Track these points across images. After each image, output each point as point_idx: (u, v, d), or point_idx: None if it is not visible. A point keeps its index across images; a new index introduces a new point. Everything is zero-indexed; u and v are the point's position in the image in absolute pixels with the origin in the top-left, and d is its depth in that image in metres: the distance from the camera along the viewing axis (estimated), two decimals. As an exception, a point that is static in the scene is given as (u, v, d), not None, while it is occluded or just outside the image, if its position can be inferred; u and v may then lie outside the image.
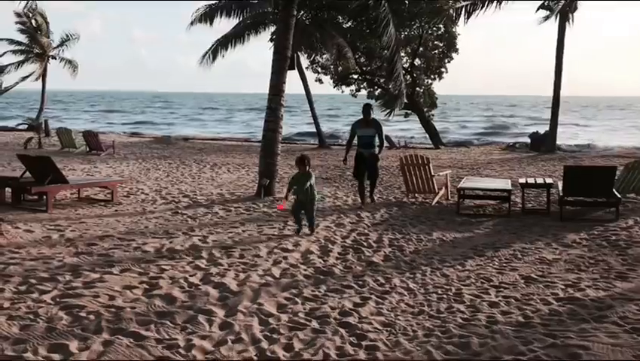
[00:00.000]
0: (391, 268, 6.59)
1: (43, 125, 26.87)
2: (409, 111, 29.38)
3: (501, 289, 5.85)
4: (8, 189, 10.23)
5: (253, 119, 62.30)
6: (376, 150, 10.42)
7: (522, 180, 11.13)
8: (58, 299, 5.25)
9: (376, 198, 11.28)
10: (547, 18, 22.15)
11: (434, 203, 10.89)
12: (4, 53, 32.30)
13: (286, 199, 8.73)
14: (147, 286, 5.71)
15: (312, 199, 8.18)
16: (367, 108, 10.45)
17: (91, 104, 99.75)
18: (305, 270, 6.45)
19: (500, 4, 19.35)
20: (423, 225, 9.07)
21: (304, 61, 26.90)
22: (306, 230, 8.26)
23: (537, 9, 22.78)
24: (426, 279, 6.19)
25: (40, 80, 32.75)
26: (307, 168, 8.17)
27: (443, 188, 11.38)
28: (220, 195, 11.74)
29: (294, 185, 8.21)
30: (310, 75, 27.88)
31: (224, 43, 22.96)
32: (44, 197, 9.67)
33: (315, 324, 4.83)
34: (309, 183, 8.10)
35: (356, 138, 10.60)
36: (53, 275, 5.96)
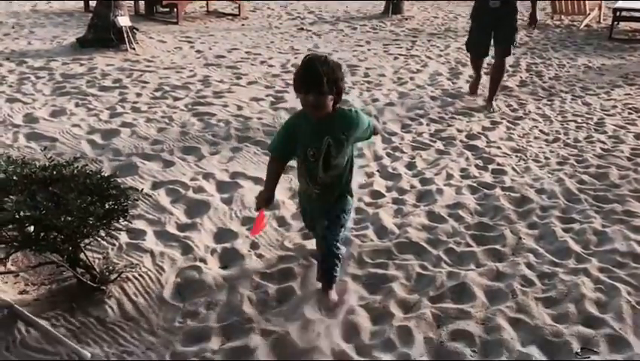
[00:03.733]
0: (527, 94, 6.12)
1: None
2: None
3: (652, 122, 5.27)
4: (142, 1, 10.46)
5: None
6: None
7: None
8: (190, 106, 5.47)
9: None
10: None
11: (582, 26, 9.74)
12: None
13: (263, 208, 2.82)
14: (273, 99, 5.77)
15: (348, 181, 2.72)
16: None
17: None
18: (432, 91, 6.17)
19: None
20: (567, 49, 8.21)
21: None
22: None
23: None
24: (565, 106, 5.71)
25: None
26: (334, 97, 2.47)
27: (596, 9, 10.08)
28: (347, 12, 11.28)
29: (288, 152, 2.66)
30: None
31: None
32: (175, 9, 9.81)
33: (439, 145, 4.69)
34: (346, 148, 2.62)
35: None
36: (184, 84, 6.17)
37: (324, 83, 2.33)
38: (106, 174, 2.77)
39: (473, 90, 5.96)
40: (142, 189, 3.16)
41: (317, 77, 2.33)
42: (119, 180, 2.82)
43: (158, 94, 5.82)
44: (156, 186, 3.84)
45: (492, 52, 5.54)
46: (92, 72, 6.47)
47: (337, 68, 2.40)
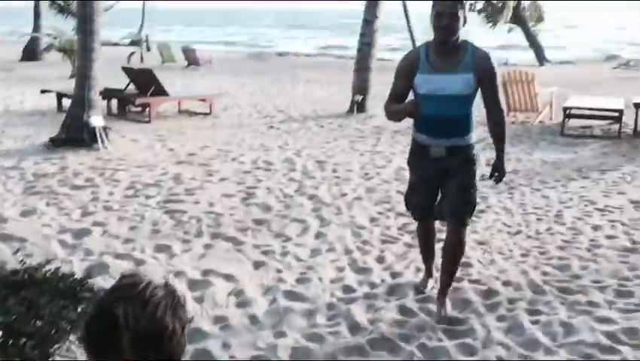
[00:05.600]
0: (488, 188, 6.37)
1: (144, 41, 27.73)
2: (512, 25, 27.60)
3: (607, 213, 5.53)
4: (114, 101, 10.73)
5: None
6: (470, 137, 3.56)
7: (636, 100, 10.25)
8: (162, 204, 5.55)
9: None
10: None
11: (536, 122, 10.32)
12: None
13: None
14: (244, 195, 5.89)
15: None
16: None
17: (189, 20, 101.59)
18: (398, 186, 6.39)
19: None
20: (523, 145, 8.65)
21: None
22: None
23: None
24: (525, 199, 5.96)
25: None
26: None
27: (547, 106, 10.72)
28: (314, 110, 11.73)
29: None
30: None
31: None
32: (147, 108, 10.08)
33: (407, 238, 4.82)
34: None
35: (412, 98, 3.57)
36: (156, 182, 6.27)
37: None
38: (79, 277, 2.79)
39: (424, 284, 3.91)
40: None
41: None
42: (91, 282, 2.84)
43: (130, 192, 5.89)
44: (127, 285, 3.82)
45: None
46: (64, 171, 6.54)
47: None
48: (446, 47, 3.34)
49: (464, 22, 3.29)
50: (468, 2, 28.14)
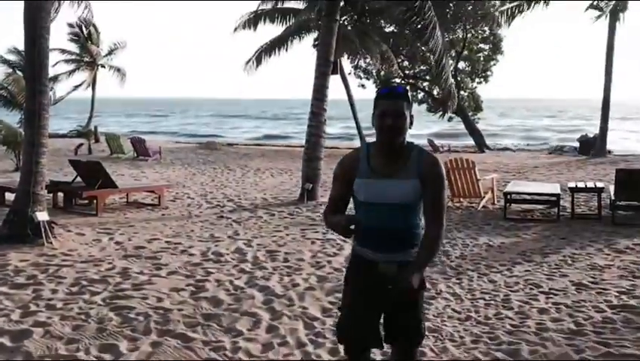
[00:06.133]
0: (437, 274, 6.49)
1: (93, 132, 27.66)
2: (453, 115, 29.05)
3: (551, 296, 5.70)
4: (60, 194, 10.55)
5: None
6: (420, 254, 2.94)
7: (571, 185, 10.84)
8: (108, 300, 5.38)
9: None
10: (598, 17, 21.67)
11: (480, 207, 10.70)
12: (57, 62, 33.46)
13: None
14: (193, 289, 5.79)
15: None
16: (395, 98, 2.91)
17: (135, 112, 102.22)
18: (349, 274, 6.43)
19: (547, 4, 19.02)
20: (469, 230, 8.91)
21: (347, 67, 26.94)
22: None
23: (587, 9, 22.27)
24: (473, 285, 6.08)
25: (90, 88, 33.81)
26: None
27: (489, 192, 11.18)
28: (264, 199, 11.83)
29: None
30: (353, 81, 27.90)
31: (268, 49, 23.14)
32: (95, 201, 9.93)
33: (360, 329, 4.80)
34: None
35: (352, 205, 3.10)
36: (103, 277, 6.11)
37: None
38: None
39: None
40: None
41: None
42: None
43: (75, 289, 5.70)
44: (70, 390, 3.64)
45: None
46: (4, 269, 6.29)
47: None
48: (391, 149, 2.92)
49: (411, 122, 2.91)
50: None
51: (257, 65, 23.14)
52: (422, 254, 2.90)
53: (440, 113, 26.99)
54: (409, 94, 2.87)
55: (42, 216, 7.45)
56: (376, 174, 2.92)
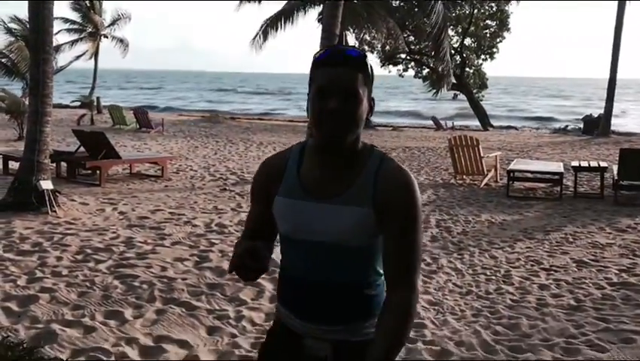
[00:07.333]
0: (439, 249, 6.53)
1: (95, 103, 27.55)
2: (457, 92, 28.92)
3: (552, 272, 5.74)
4: (64, 164, 10.57)
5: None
6: (379, 340, 1.62)
7: (574, 163, 10.83)
8: (112, 269, 5.43)
9: (422, 178, 11.14)
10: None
11: (482, 185, 10.71)
12: (59, 31, 33.14)
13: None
14: (197, 259, 5.83)
15: None
16: (342, 65, 1.64)
17: (140, 83, 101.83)
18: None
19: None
20: (471, 206, 8.94)
21: (351, 39, 26.69)
22: None
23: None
24: (474, 260, 6.12)
25: (92, 58, 33.57)
26: None
27: (493, 170, 11.17)
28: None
29: None
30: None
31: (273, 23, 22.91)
32: (98, 171, 9.96)
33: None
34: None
35: (279, 240, 1.86)
36: (107, 246, 6.15)
37: None
38: (28, 346, 2.71)
39: None
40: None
41: None
42: (42, 351, 2.76)
43: (79, 257, 5.75)
44: (76, 354, 3.70)
45: None
46: (9, 236, 6.34)
47: None
48: (333, 154, 1.72)
49: (371, 108, 1.71)
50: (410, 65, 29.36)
51: (264, 40, 22.93)
52: (382, 341, 1.62)
53: (434, 91, 26.79)
54: (370, 63, 1.69)
55: (46, 184, 7.47)
56: (307, 193, 1.73)
